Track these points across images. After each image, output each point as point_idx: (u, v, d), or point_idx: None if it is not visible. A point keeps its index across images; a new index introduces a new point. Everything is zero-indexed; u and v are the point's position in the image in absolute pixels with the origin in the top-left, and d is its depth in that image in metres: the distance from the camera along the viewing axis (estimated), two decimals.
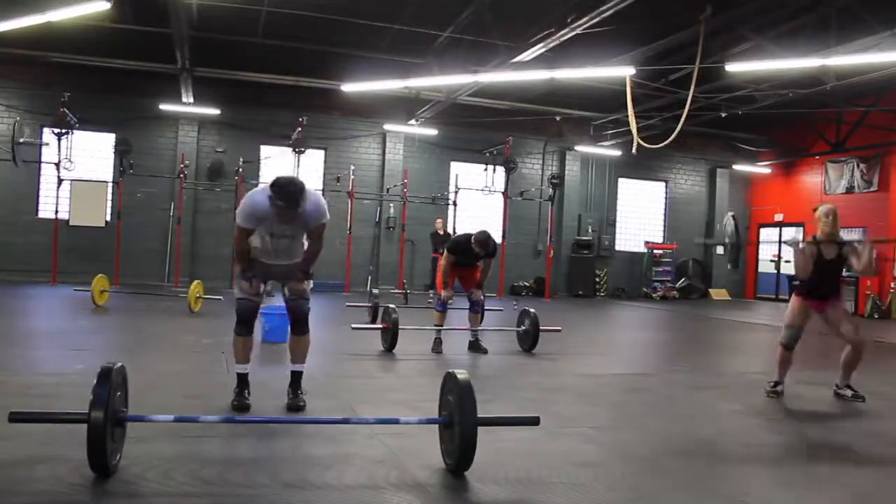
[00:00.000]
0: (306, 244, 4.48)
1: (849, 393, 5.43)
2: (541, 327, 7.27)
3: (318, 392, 4.88)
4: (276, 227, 4.21)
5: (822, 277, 5.40)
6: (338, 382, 5.45)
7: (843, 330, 5.43)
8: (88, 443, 2.82)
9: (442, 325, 7.24)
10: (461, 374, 3.27)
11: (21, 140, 12.87)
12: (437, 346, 7.12)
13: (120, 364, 3.08)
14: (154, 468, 3.11)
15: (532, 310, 7.50)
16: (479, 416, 3.13)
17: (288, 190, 3.91)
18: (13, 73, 14.58)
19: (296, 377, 4.45)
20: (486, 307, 9.71)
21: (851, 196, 17.00)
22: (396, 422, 3.67)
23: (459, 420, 3.12)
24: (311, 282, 4.52)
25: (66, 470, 3.01)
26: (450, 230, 15.18)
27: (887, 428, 4.84)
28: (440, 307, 7.26)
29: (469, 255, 7.19)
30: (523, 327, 7.44)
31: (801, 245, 5.43)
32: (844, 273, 5.67)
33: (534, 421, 3.33)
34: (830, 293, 5.46)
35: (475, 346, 7.29)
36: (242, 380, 4.41)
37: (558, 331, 7.81)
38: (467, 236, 7.22)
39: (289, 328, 4.56)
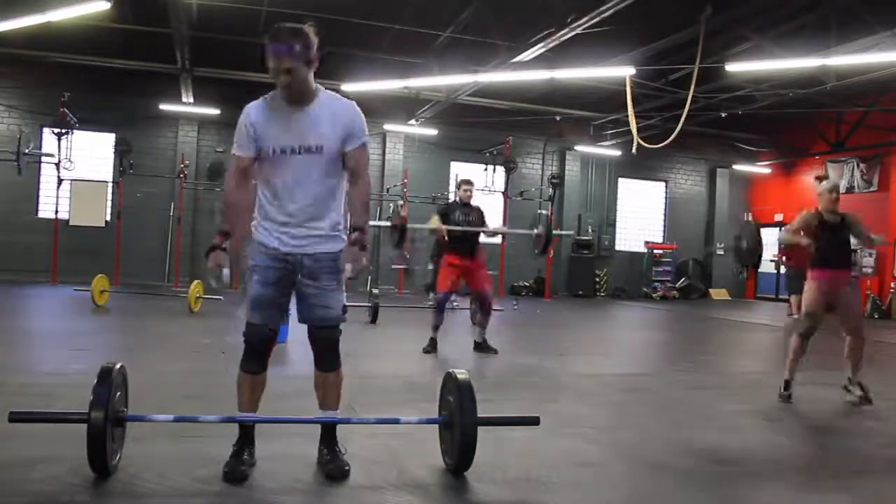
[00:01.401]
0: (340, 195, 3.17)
1: (858, 392, 5.33)
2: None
3: None
4: (281, 133, 3.00)
5: (829, 243, 5.41)
6: None
7: (850, 316, 5.43)
8: (88, 443, 2.82)
9: (438, 327, 7.14)
10: (461, 374, 3.26)
11: (27, 151, 12.77)
12: (431, 347, 7.01)
13: (120, 364, 3.07)
14: (152, 468, 3.10)
15: (545, 212, 7.61)
16: (479, 416, 3.13)
17: (284, 25, 2.98)
18: (13, 73, 14.59)
19: (328, 431, 3.25)
20: None
21: (851, 196, 16.97)
22: (397, 422, 3.65)
23: (460, 420, 3.12)
24: (344, 294, 3.28)
25: (65, 470, 3.00)
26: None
27: (888, 429, 4.83)
28: (438, 309, 7.14)
29: (461, 215, 6.97)
30: (536, 231, 7.60)
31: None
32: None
33: (534, 421, 3.31)
34: (842, 264, 5.47)
35: (483, 347, 7.10)
36: (245, 434, 3.18)
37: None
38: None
39: (313, 361, 3.25)
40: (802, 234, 5.49)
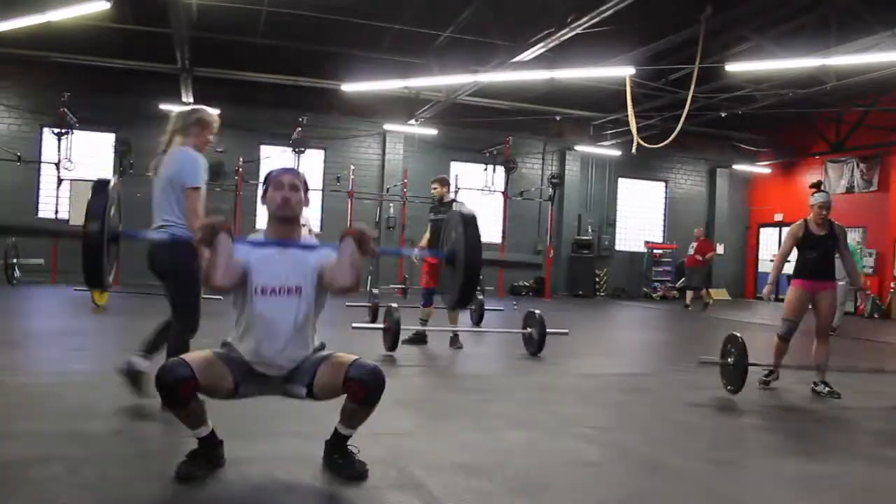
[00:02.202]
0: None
1: (825, 389, 5.47)
2: (547, 329, 7.11)
3: None
4: (266, 274, 2.94)
5: (814, 254, 5.47)
6: None
7: (822, 320, 5.52)
8: (84, 256, 2.71)
9: (427, 320, 7.34)
10: (465, 209, 3.16)
11: None
12: (417, 337, 7.19)
13: (116, 179, 3.03)
14: (152, 468, 3.10)
15: (538, 311, 7.29)
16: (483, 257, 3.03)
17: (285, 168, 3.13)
18: (13, 73, 14.58)
19: (339, 439, 3.09)
20: (485, 307, 9.77)
21: (851, 196, 16.99)
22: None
23: (463, 256, 2.99)
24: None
25: (64, 470, 3.01)
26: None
27: (887, 427, 4.84)
28: (425, 302, 7.37)
29: (434, 214, 7.31)
30: (529, 330, 7.22)
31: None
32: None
33: (536, 265, 3.27)
34: (826, 275, 5.52)
35: (454, 342, 7.35)
36: (205, 444, 3.01)
37: (566, 333, 7.59)
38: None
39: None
40: (789, 246, 5.64)
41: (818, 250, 5.48)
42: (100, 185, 2.82)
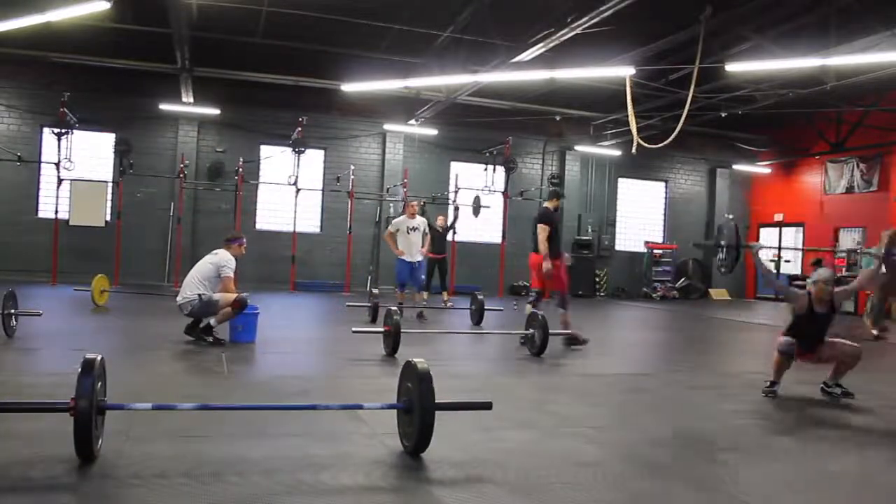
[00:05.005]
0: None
1: (838, 390, 5.44)
2: (550, 331, 7.01)
3: (320, 393, 4.89)
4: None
5: (811, 332, 5.41)
6: (339, 384, 5.46)
7: (841, 353, 5.44)
8: (76, 431, 2.97)
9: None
10: (419, 363, 3.46)
11: None
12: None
13: (101, 356, 3.20)
14: (152, 468, 3.11)
15: (541, 313, 7.29)
16: (436, 401, 3.33)
17: None
18: (13, 73, 14.58)
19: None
20: (485, 307, 9.78)
21: (851, 196, 16.99)
22: (360, 407, 3.94)
23: (419, 405, 3.30)
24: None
25: (65, 470, 3.01)
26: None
27: (885, 427, 4.84)
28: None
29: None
30: (532, 331, 7.15)
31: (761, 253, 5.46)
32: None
33: (486, 406, 3.58)
34: (815, 347, 5.48)
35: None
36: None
37: (569, 334, 7.52)
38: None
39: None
40: (793, 307, 5.49)
41: (814, 328, 5.41)
42: (88, 365, 3.08)
